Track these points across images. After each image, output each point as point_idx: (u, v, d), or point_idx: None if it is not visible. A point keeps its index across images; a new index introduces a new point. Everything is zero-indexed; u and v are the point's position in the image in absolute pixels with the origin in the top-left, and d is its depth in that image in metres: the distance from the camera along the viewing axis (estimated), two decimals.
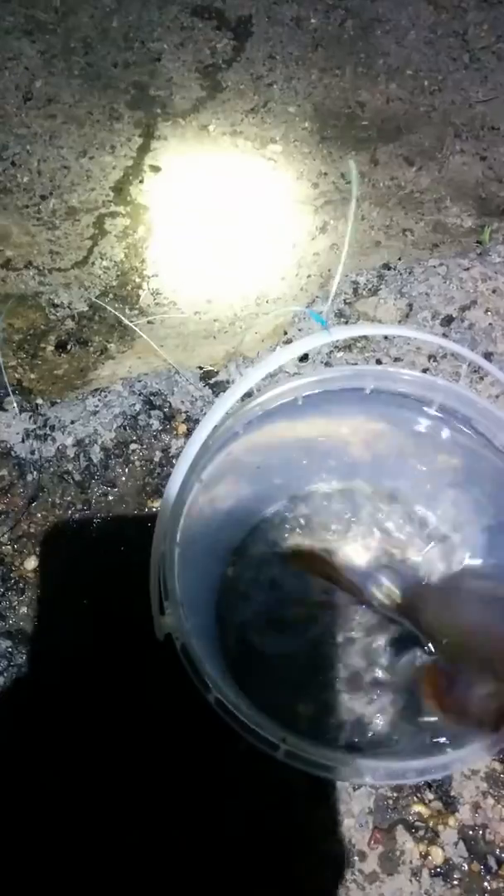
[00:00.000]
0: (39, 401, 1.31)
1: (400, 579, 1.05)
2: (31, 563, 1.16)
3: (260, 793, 0.98)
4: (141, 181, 1.75)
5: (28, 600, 1.13)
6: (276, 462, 1.09)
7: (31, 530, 1.19)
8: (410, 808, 0.98)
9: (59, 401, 1.31)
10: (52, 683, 1.07)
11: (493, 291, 1.43)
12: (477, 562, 1.08)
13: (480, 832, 0.97)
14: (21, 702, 1.06)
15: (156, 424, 1.27)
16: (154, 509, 1.20)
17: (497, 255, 1.51)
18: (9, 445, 1.25)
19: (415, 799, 0.99)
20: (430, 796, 0.99)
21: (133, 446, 1.25)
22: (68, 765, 1.01)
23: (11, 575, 1.15)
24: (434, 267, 1.48)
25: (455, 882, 0.94)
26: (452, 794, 0.99)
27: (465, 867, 0.95)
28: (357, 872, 0.94)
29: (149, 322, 1.53)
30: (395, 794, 0.99)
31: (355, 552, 1.11)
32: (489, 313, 1.40)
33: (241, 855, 0.95)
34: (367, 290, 1.47)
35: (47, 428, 1.26)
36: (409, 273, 1.48)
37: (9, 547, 1.17)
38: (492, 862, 0.95)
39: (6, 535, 1.18)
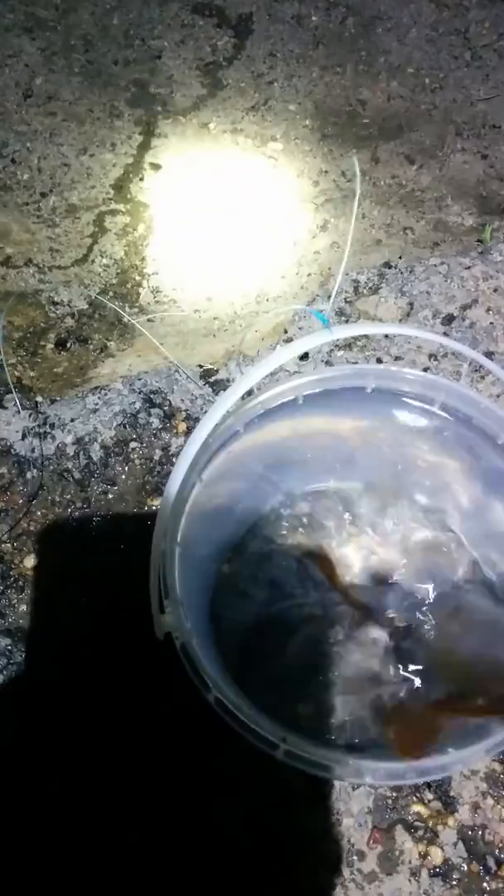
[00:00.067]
0: (39, 399, 1.31)
1: (406, 599, 1.05)
2: (31, 561, 1.16)
3: (259, 792, 0.98)
4: (141, 179, 1.75)
5: (27, 598, 1.13)
6: (276, 461, 1.08)
7: (31, 528, 1.18)
8: (410, 808, 0.98)
9: (58, 399, 1.31)
10: (51, 682, 1.06)
11: (495, 290, 1.43)
12: (477, 558, 1.08)
13: (480, 832, 0.97)
14: (20, 700, 1.06)
15: (156, 423, 1.26)
16: (154, 508, 1.19)
17: (498, 253, 1.51)
18: (8, 443, 1.25)
19: (414, 799, 0.99)
20: (430, 796, 0.99)
21: (133, 444, 1.25)
22: (67, 764, 1.01)
23: (11, 573, 1.14)
24: (435, 266, 1.48)
25: (454, 882, 0.94)
26: (452, 794, 0.99)
27: (465, 867, 0.94)
28: (356, 872, 0.94)
29: (149, 320, 1.52)
30: (394, 794, 0.99)
31: (354, 550, 1.11)
32: (490, 312, 1.40)
33: (241, 854, 0.95)
34: (367, 288, 1.47)
35: (47, 426, 1.26)
36: (410, 272, 1.48)
37: (8, 545, 1.17)
38: (491, 862, 0.95)
39: (6, 533, 1.17)
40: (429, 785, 0.99)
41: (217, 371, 1.35)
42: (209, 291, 1.59)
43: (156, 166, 1.77)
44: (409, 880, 0.94)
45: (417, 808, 0.98)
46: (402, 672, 0.99)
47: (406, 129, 1.83)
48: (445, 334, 1.37)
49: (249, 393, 0.88)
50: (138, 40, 1.94)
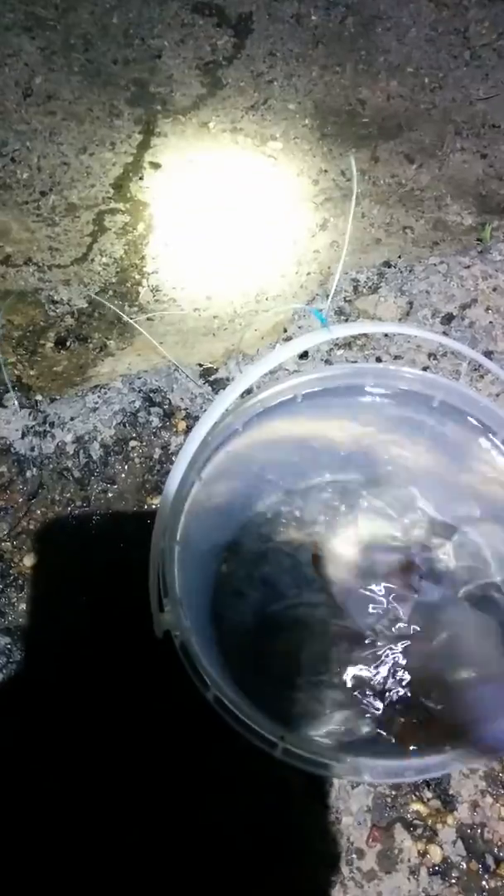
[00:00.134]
0: (39, 397, 1.31)
1: (398, 600, 1.05)
2: (31, 559, 1.16)
3: (258, 791, 0.98)
4: (141, 178, 1.75)
5: (27, 597, 1.13)
6: (275, 459, 1.08)
7: (31, 527, 1.19)
8: (409, 807, 0.98)
9: (58, 397, 1.31)
10: (50, 680, 1.07)
11: (494, 289, 1.43)
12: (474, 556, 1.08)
13: (479, 831, 0.97)
14: (20, 699, 1.06)
15: (155, 421, 1.26)
16: (153, 506, 1.19)
17: (498, 252, 1.51)
18: (8, 442, 1.25)
19: (413, 797, 0.99)
20: (429, 795, 0.99)
21: (133, 443, 1.25)
22: (67, 762, 1.01)
23: (11, 571, 1.15)
24: (434, 265, 1.48)
25: (453, 880, 0.94)
26: (451, 792, 0.99)
27: (464, 866, 0.95)
28: (355, 870, 0.94)
29: (148, 319, 1.52)
30: (393, 793, 0.99)
31: (352, 549, 1.11)
32: (490, 311, 1.40)
33: (239, 853, 0.95)
34: (367, 287, 1.47)
35: (47, 424, 1.26)
36: (410, 271, 1.48)
37: (8, 543, 1.17)
38: (490, 860, 0.95)
39: (5, 532, 1.18)
40: (428, 783, 0.99)
41: (217, 370, 1.35)
42: (209, 290, 1.59)
43: (155, 165, 1.77)
44: (409, 878, 0.94)
45: (416, 806, 0.98)
46: (393, 675, 0.99)
47: (405, 128, 1.83)
48: (445, 333, 1.37)
49: (249, 391, 0.88)
50: (138, 39, 1.94)
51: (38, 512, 1.20)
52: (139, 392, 1.30)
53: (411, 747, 0.91)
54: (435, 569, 1.09)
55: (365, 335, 1.38)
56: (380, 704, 0.97)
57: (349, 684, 0.99)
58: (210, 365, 1.36)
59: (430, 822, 0.97)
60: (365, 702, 0.98)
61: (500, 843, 0.96)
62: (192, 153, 1.79)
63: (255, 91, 1.88)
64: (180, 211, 1.71)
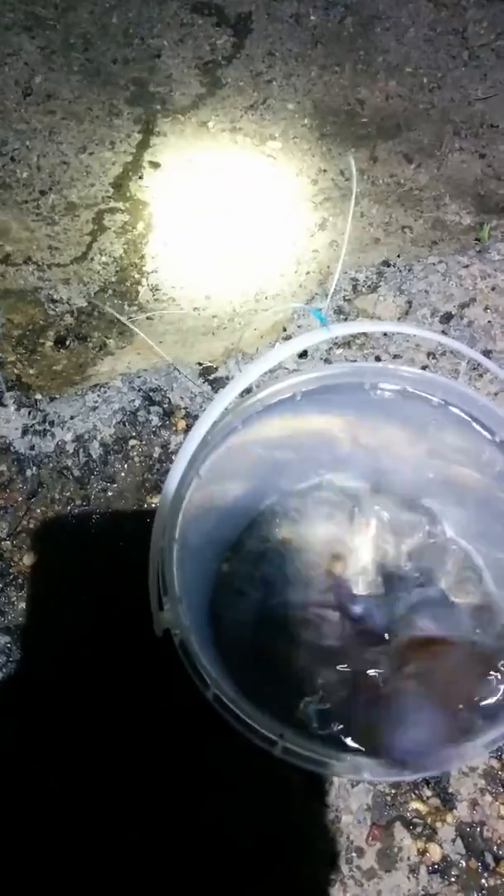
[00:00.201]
0: (38, 396, 1.31)
1: (397, 600, 1.05)
2: (30, 558, 1.16)
3: (258, 789, 0.98)
4: (140, 177, 1.75)
5: (27, 596, 1.13)
6: (275, 457, 1.08)
7: (30, 526, 1.19)
8: (408, 805, 0.98)
9: (58, 396, 1.31)
10: (50, 679, 1.07)
11: (493, 289, 1.43)
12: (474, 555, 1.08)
13: (478, 829, 0.97)
14: (19, 698, 1.06)
15: (155, 420, 1.27)
16: (153, 505, 1.20)
17: (496, 252, 1.51)
18: (8, 441, 1.25)
19: (413, 796, 0.99)
20: (428, 793, 0.99)
21: (132, 442, 1.25)
22: (66, 761, 1.01)
23: (10, 570, 1.15)
24: (433, 264, 1.48)
25: (452, 879, 0.94)
26: (450, 791, 0.99)
27: (463, 864, 0.95)
28: (355, 869, 0.94)
29: (148, 318, 1.52)
30: (392, 791, 0.99)
31: (350, 548, 1.11)
32: (488, 311, 1.40)
33: (239, 851, 0.95)
34: (366, 286, 1.47)
35: (46, 423, 1.26)
36: (409, 270, 1.48)
37: (8, 542, 1.17)
38: (489, 859, 0.95)
39: (5, 531, 1.18)
40: (427, 782, 0.99)
41: (216, 369, 1.35)
42: (208, 289, 1.59)
43: (155, 165, 1.77)
44: (408, 877, 0.94)
45: (416, 804, 0.98)
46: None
47: (404, 128, 1.83)
48: (444, 333, 1.37)
49: (248, 390, 0.88)
50: (137, 39, 1.95)
51: (38, 511, 1.20)
52: (139, 391, 1.30)
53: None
54: (433, 570, 1.09)
55: (364, 334, 1.39)
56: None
57: (353, 681, 0.99)
58: (209, 364, 1.36)
59: (429, 820, 0.97)
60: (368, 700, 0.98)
61: (499, 842, 0.96)
62: (192, 153, 1.79)
63: (254, 91, 1.89)
64: (180, 210, 1.71)
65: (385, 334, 1.38)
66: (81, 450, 1.24)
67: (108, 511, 1.19)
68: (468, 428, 0.98)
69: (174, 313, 1.55)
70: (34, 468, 1.22)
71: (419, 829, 0.97)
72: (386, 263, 1.51)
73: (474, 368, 1.33)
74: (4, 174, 1.72)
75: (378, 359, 1.36)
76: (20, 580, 1.14)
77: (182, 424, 1.27)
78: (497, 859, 0.95)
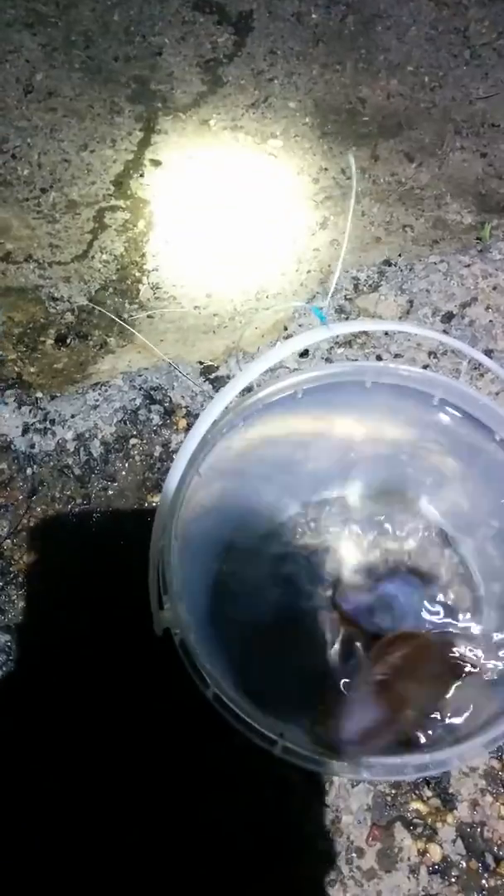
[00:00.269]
0: (39, 395, 1.31)
1: (395, 604, 1.05)
2: (30, 557, 1.16)
3: (257, 789, 0.98)
4: (141, 175, 1.74)
5: (27, 594, 1.13)
6: (275, 457, 1.08)
7: (31, 524, 1.18)
8: (409, 805, 0.98)
9: (58, 395, 1.31)
10: (50, 678, 1.06)
11: (494, 288, 1.43)
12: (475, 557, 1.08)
13: (478, 829, 0.97)
14: (19, 697, 1.06)
15: (156, 419, 1.26)
16: (154, 504, 1.19)
17: (497, 251, 1.51)
18: (8, 439, 1.24)
19: (413, 796, 0.99)
20: (429, 793, 0.99)
21: (133, 441, 1.25)
22: (66, 761, 1.01)
23: (11, 569, 1.14)
24: (434, 263, 1.48)
25: (453, 879, 0.94)
26: (451, 791, 0.99)
27: (463, 864, 0.95)
28: (355, 869, 0.94)
29: (148, 316, 1.52)
30: (393, 791, 0.99)
31: (351, 549, 1.11)
32: (490, 310, 1.40)
33: (239, 851, 0.95)
34: (367, 286, 1.47)
35: (47, 422, 1.26)
36: (410, 269, 1.48)
37: (8, 541, 1.17)
38: (489, 859, 0.95)
39: (5, 530, 1.17)
40: (427, 782, 0.99)
41: (217, 367, 1.35)
42: (209, 288, 1.59)
43: (156, 163, 1.76)
44: (408, 877, 0.94)
45: (416, 805, 0.98)
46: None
47: (405, 126, 1.83)
48: (445, 332, 1.37)
49: (249, 389, 0.88)
50: (139, 37, 1.94)
51: (39, 509, 1.20)
52: (140, 390, 1.30)
53: None
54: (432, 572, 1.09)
55: (365, 333, 1.38)
56: None
57: (353, 682, 0.99)
58: (210, 363, 1.36)
59: (429, 820, 0.97)
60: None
61: (499, 842, 0.96)
62: (193, 151, 1.79)
63: (255, 89, 1.88)
64: (180, 208, 1.71)
65: (386, 333, 1.38)
66: (82, 448, 1.23)
67: (109, 510, 1.19)
68: (469, 427, 0.98)
69: (175, 312, 1.55)
70: (35, 467, 1.22)
71: (419, 830, 0.96)
72: (387, 262, 1.51)
73: (475, 368, 1.33)
74: (5, 172, 1.72)
75: (379, 358, 1.35)
76: (20, 579, 1.14)
77: (183, 423, 1.27)
78: (497, 860, 0.95)
